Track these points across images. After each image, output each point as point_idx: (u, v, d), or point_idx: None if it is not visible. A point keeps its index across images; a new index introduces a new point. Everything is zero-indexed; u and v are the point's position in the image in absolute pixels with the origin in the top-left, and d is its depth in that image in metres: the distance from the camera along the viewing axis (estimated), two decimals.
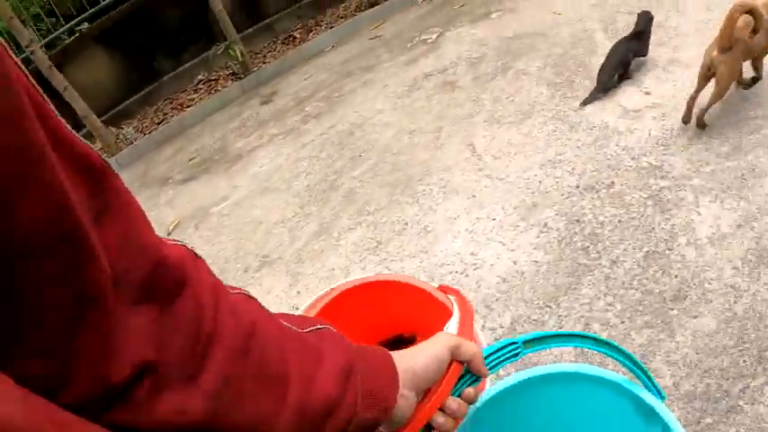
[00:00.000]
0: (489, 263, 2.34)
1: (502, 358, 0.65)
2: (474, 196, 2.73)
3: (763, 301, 1.79)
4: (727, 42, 2.26)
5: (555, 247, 2.29)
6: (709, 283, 1.94)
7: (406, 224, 2.75)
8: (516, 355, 0.67)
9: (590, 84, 3.17)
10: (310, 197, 3.29)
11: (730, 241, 2.03)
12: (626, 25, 3.74)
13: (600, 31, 3.74)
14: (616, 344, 0.70)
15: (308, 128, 3.99)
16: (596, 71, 3.22)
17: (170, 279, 0.40)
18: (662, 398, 0.70)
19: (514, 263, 2.28)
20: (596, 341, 0.70)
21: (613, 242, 2.23)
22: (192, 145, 4.89)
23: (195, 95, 5.33)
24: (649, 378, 0.70)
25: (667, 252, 2.11)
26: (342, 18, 5.28)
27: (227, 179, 4.02)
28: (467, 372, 0.61)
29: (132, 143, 5.32)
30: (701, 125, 2.51)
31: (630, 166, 2.51)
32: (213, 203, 3.81)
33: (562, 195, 2.54)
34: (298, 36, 5.29)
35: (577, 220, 2.40)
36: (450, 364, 0.59)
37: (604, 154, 2.64)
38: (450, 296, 0.94)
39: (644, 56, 3.11)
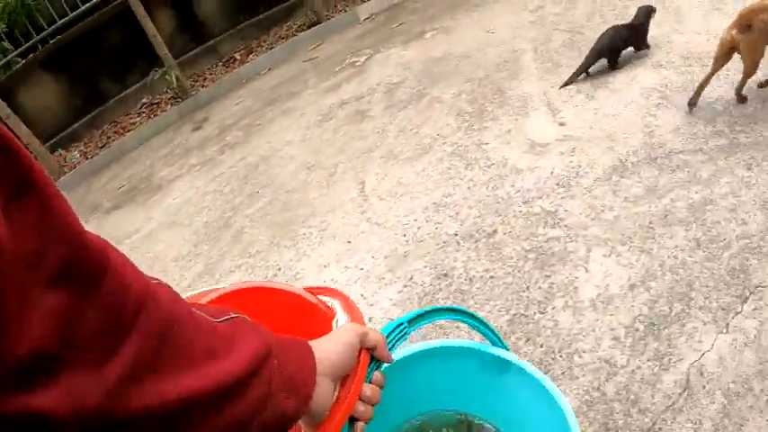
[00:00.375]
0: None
1: (395, 340, 0.73)
2: (349, 242, 2.50)
3: (642, 381, 1.51)
4: (746, 21, 2.19)
5: (414, 304, 2.04)
6: (580, 356, 1.67)
7: (279, 269, 2.53)
8: (405, 334, 0.74)
9: (502, 113, 2.93)
10: (206, 235, 3.10)
11: (618, 305, 1.75)
12: (561, 44, 3.51)
13: (529, 51, 3.49)
14: (476, 314, 0.88)
15: (223, 158, 3.80)
16: (514, 98, 3.01)
17: (92, 262, 0.40)
18: (507, 348, 0.91)
19: (369, 319, 2.05)
20: (464, 313, 0.85)
21: (479, 302, 1.97)
22: (127, 171, 4.74)
23: (137, 119, 5.20)
24: (497, 336, 0.90)
25: (538, 316, 1.85)
26: (283, 39, 5.10)
27: (146, 210, 3.86)
28: (372, 358, 0.63)
29: (76, 167, 5.22)
30: (743, 99, 2.40)
31: (520, 212, 2.25)
32: (126, 235, 3.65)
33: (437, 245, 2.29)
34: (238, 58, 5.12)
35: (446, 275, 2.14)
36: (359, 352, 0.61)
37: (495, 197, 2.38)
38: (326, 297, 0.86)
39: (638, 49, 2.94)
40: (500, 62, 3.48)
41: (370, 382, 0.62)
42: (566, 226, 2.10)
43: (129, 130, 5.11)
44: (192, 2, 5.25)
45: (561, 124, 2.70)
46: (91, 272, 0.40)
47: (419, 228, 2.40)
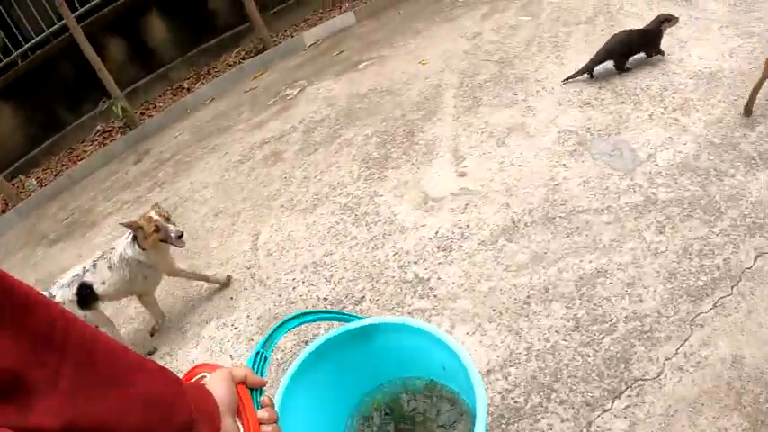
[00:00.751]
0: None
1: (260, 367, 0.82)
2: (232, 298, 2.50)
3: None
4: None
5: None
6: None
7: (170, 321, 2.56)
8: (266, 359, 0.84)
9: (406, 160, 2.89)
10: None
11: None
12: (487, 78, 3.47)
13: (453, 88, 3.45)
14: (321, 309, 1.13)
15: (151, 197, 3.82)
16: (422, 143, 2.99)
17: (17, 302, 0.44)
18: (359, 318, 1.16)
19: None
20: (304, 314, 1.00)
21: None
22: (74, 202, 4.78)
23: (90, 147, 5.25)
24: (347, 314, 1.15)
25: None
26: (230, 66, 5.10)
27: (79, 246, 3.89)
28: (250, 388, 0.71)
29: (31, 195, 5.29)
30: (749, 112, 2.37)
31: (392, 278, 2.18)
32: (55, 274, 3.69)
33: (307, 309, 2.27)
34: (186, 86, 5.13)
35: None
36: (237, 387, 0.68)
37: (373, 258, 2.33)
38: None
39: (649, 55, 2.96)
40: (421, 100, 3.44)
41: (260, 407, 0.70)
42: (435, 296, 2.01)
43: (81, 159, 5.16)
44: (142, 30, 5.27)
45: (461, 175, 2.62)
46: (19, 310, 0.45)
47: (294, 288, 2.38)
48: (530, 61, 3.43)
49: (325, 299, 2.25)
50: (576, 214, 2.13)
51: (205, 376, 0.70)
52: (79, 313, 2.25)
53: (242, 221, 2.98)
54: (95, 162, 5.00)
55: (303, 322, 1.00)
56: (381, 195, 2.68)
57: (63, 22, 4.70)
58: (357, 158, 3.06)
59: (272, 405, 0.72)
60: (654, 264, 1.82)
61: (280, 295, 2.38)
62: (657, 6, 3.48)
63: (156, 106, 5.18)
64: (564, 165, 2.45)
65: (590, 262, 1.90)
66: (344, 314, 1.15)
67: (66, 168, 5.29)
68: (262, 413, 0.68)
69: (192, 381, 0.70)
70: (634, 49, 2.90)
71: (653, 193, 2.13)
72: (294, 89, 4.26)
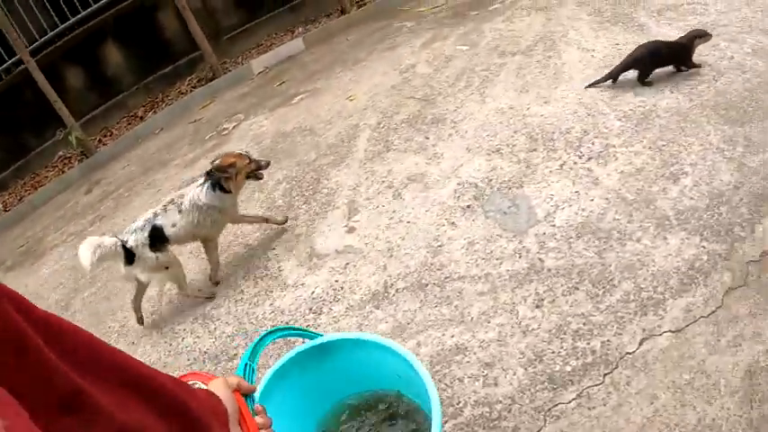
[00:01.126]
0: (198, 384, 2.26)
1: (249, 376, 0.92)
2: (133, 343, 2.65)
3: None
4: None
5: None
6: None
7: None
8: (253, 370, 0.95)
9: (305, 210, 2.96)
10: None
11: None
12: (405, 118, 3.51)
13: (370, 129, 3.53)
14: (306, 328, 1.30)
15: (91, 231, 3.99)
16: (324, 192, 3.03)
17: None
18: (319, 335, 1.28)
19: None
20: (280, 330, 1.17)
21: None
22: (32, 228, 4.97)
23: (51, 173, 5.45)
24: (306, 330, 1.30)
25: None
26: (182, 94, 5.25)
27: (26, 276, 4.07)
28: (245, 396, 0.78)
29: None
30: None
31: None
32: None
33: (188, 362, 2.42)
34: (140, 114, 5.30)
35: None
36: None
37: (252, 314, 2.43)
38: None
39: (678, 70, 2.85)
40: (336, 142, 3.54)
41: (255, 414, 0.77)
42: None
43: (42, 185, 5.36)
44: (100, 58, 5.44)
45: (350, 230, 2.65)
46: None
47: (183, 339, 2.53)
48: (452, 99, 3.47)
49: (206, 352, 2.40)
50: (450, 282, 2.08)
51: (196, 384, 0.74)
52: (150, 255, 2.49)
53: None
54: (53, 189, 5.20)
55: (279, 336, 1.16)
56: (274, 248, 2.78)
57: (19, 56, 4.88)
58: (263, 206, 3.17)
59: (265, 411, 0.79)
60: (520, 343, 1.73)
61: (170, 344, 2.53)
62: (605, 33, 3.50)
63: (112, 133, 5.36)
64: (453, 223, 2.40)
65: (452, 336, 1.84)
66: (308, 332, 1.29)
67: (29, 194, 5.49)
68: (258, 420, 0.74)
69: None
70: (662, 60, 2.81)
71: (540, 260, 2.02)
72: (232, 123, 4.40)
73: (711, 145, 2.34)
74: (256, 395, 1.10)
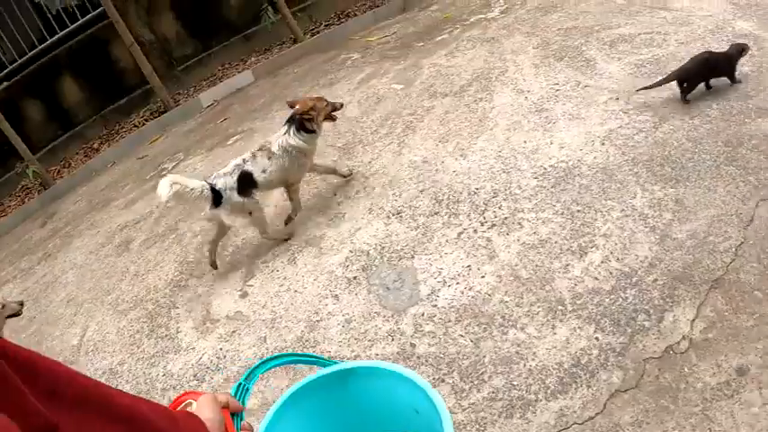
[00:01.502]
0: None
1: (241, 395, 0.95)
2: None
3: None
4: None
5: None
6: None
7: None
8: (247, 390, 0.99)
9: (211, 267, 2.98)
10: None
11: None
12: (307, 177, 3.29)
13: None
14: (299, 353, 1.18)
15: (37, 270, 4.20)
16: (235, 246, 3.09)
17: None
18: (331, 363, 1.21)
19: None
20: (284, 356, 1.11)
21: None
22: None
23: (14, 203, 5.69)
24: (319, 358, 1.22)
25: None
26: (136, 127, 5.44)
27: None
28: (233, 414, 0.82)
29: None
30: None
31: (153, 399, 2.41)
32: None
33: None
34: (96, 146, 5.50)
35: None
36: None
37: (148, 375, 2.55)
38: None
39: (726, 78, 2.66)
40: None
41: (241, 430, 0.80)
42: None
43: (5, 214, 5.61)
44: (58, 91, 5.64)
45: (243, 295, 2.67)
46: None
47: None
48: (371, 148, 3.42)
49: None
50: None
51: (191, 403, 0.77)
52: (237, 200, 2.68)
53: (81, 313, 3.33)
54: (14, 220, 5.44)
55: (282, 364, 1.12)
56: (177, 307, 2.92)
57: None
58: (177, 260, 3.32)
59: (251, 430, 0.84)
60: None
61: None
62: (546, 71, 3.37)
63: (71, 165, 5.58)
64: (336, 296, 2.36)
65: None
66: (320, 359, 1.23)
67: None
68: None
69: (179, 408, 0.80)
70: (709, 72, 2.61)
71: (412, 345, 1.93)
72: (172, 162, 4.59)
73: (634, 210, 2.12)
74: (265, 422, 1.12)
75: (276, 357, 1.10)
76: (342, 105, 3.02)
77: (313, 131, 2.81)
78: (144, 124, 5.38)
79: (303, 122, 2.77)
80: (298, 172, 2.90)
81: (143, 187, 4.46)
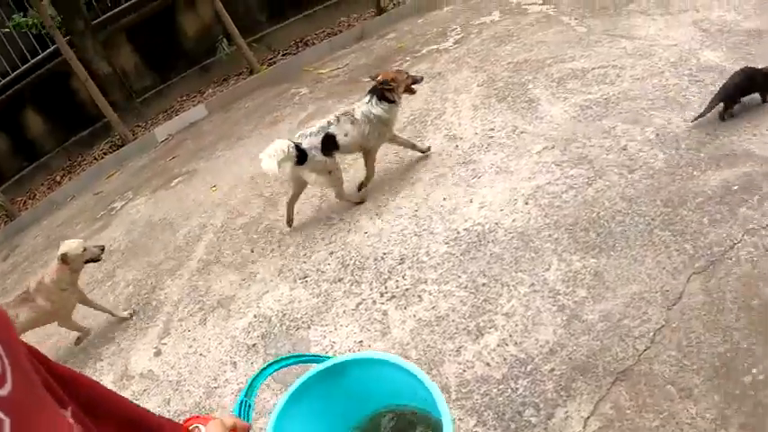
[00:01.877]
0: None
1: (245, 413, 1.00)
2: None
3: None
4: None
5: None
6: None
7: None
8: (250, 406, 1.03)
9: (134, 320, 3.05)
10: None
11: None
12: (248, 221, 3.43)
13: (212, 233, 3.58)
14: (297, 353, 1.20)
15: None
16: (149, 308, 3.12)
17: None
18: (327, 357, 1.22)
19: None
20: (281, 360, 1.14)
21: None
22: None
23: None
24: (315, 355, 1.23)
25: None
26: (96, 160, 5.66)
27: None
28: None
29: None
30: None
31: None
32: None
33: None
34: (59, 179, 5.73)
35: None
36: None
37: None
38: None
39: (763, 99, 2.51)
40: (183, 244, 3.57)
41: None
42: None
43: None
44: (22, 123, 5.87)
45: (157, 354, 2.67)
46: None
47: None
48: (304, 207, 3.28)
49: None
50: None
51: (198, 427, 0.80)
52: (321, 158, 2.87)
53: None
54: None
55: (279, 368, 1.15)
56: (102, 360, 2.99)
57: None
58: (101, 315, 3.27)
59: None
60: None
61: None
62: (484, 114, 3.30)
63: (35, 196, 5.82)
64: (234, 363, 2.33)
65: None
66: (316, 356, 1.25)
67: None
68: None
69: None
70: (750, 87, 2.45)
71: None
72: (121, 201, 4.79)
73: (545, 285, 1.93)
74: (273, 418, 1.15)
75: (271, 364, 1.13)
76: (422, 79, 3.17)
77: (393, 102, 2.97)
78: (103, 158, 5.60)
79: (384, 93, 2.95)
80: (376, 140, 3.06)
81: (93, 227, 4.68)
